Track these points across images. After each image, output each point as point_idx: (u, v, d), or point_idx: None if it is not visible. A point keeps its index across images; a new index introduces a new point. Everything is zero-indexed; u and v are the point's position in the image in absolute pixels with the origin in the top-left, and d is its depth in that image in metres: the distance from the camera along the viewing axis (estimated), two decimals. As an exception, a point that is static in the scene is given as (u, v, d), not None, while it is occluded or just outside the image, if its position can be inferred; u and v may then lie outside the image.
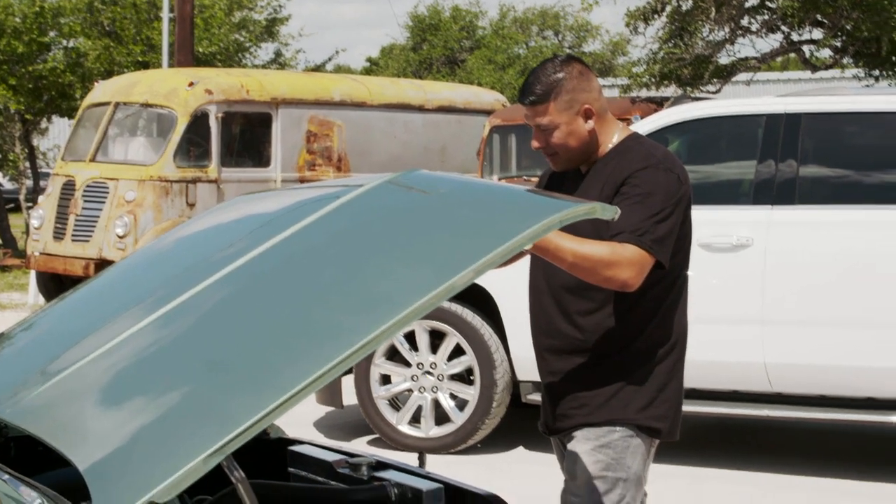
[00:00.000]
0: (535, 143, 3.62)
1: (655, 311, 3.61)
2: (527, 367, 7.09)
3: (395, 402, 7.60)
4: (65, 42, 21.46)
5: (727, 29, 14.55)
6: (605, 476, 3.56)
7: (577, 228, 3.29)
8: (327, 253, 3.02)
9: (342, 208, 3.14)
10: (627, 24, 14.73)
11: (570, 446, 3.63)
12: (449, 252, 2.80)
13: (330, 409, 8.30)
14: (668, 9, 14.58)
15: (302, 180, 14.72)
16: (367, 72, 36.60)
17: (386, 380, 7.56)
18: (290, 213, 3.34)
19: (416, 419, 7.49)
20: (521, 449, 7.54)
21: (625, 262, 3.37)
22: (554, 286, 3.65)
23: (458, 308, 7.29)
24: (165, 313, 2.94)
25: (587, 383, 3.59)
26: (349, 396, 7.66)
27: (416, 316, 2.57)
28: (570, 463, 3.60)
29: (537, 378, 7.13)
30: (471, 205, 3.07)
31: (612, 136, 3.64)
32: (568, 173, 3.70)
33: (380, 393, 7.53)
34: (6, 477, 2.84)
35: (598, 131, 3.60)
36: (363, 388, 7.53)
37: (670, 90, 14.95)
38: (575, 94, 3.55)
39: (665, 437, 3.67)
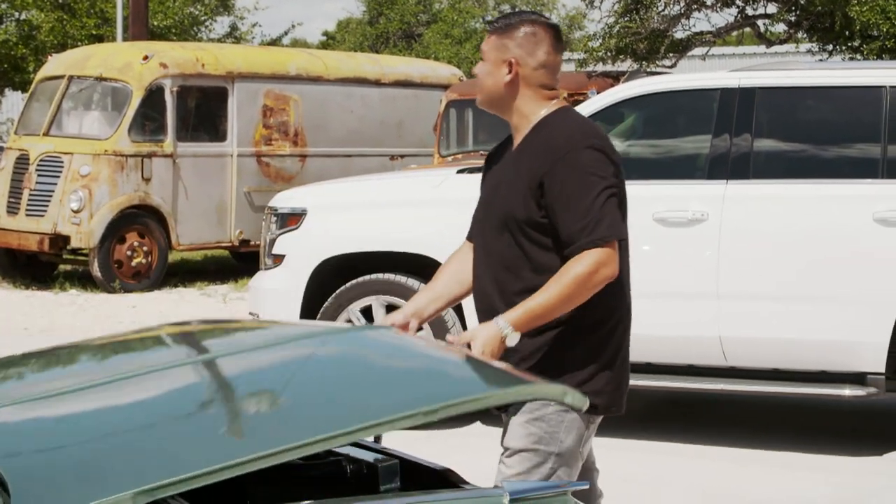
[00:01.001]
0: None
1: None
2: (483, 341, 7.10)
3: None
4: (17, 14, 21.24)
5: (682, 3, 14.59)
6: (537, 449, 3.58)
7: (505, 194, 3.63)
8: (268, 372, 3.11)
9: (301, 338, 3.32)
10: (584, -1, 14.74)
11: (505, 418, 3.65)
12: (375, 404, 2.82)
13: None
14: (625, -17, 14.60)
15: (258, 155, 14.67)
16: (324, 46, 36.44)
17: (343, 355, 7.56)
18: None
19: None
20: (477, 424, 7.56)
21: (594, 266, 3.48)
22: (493, 265, 3.70)
23: (415, 284, 7.30)
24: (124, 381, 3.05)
25: (525, 358, 3.62)
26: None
27: (298, 453, 2.57)
28: (505, 434, 3.62)
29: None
30: (419, 365, 3.19)
31: (541, 110, 3.68)
32: (506, 151, 3.78)
33: (337, 368, 7.52)
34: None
35: (520, 95, 3.68)
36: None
37: (626, 65, 14.98)
38: (513, 45, 3.67)
39: (605, 412, 3.68)
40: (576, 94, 12.68)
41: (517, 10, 3.83)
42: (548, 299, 3.48)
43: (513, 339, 3.51)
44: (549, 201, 3.55)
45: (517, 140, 3.73)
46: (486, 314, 3.70)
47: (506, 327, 3.49)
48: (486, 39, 3.73)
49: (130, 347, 3.69)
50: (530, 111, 3.69)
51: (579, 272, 3.48)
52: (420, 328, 3.87)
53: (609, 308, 3.65)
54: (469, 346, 3.48)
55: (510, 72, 3.67)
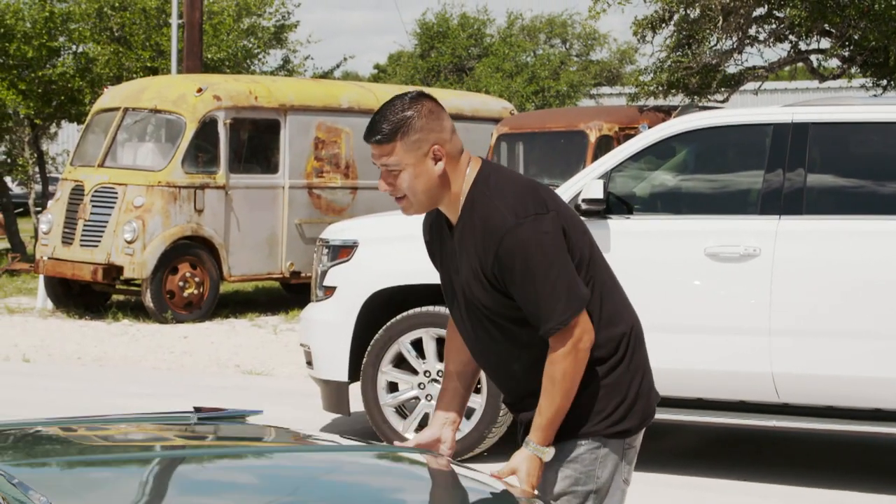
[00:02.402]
0: (381, 185, 3.49)
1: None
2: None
3: (402, 410, 7.60)
4: (74, 47, 21.52)
5: (735, 38, 14.56)
6: (576, 490, 3.57)
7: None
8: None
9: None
10: (635, 33, 14.74)
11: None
12: None
13: (337, 416, 8.31)
14: (676, 17, 14.60)
15: (310, 187, 14.75)
16: (375, 79, 36.64)
17: (393, 387, 7.57)
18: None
19: (422, 427, 7.49)
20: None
21: (571, 349, 3.44)
22: (490, 347, 3.66)
23: (465, 316, 7.30)
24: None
25: None
26: (356, 403, 7.67)
27: None
28: (542, 480, 3.58)
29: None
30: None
31: (464, 185, 3.51)
32: (443, 231, 3.63)
33: (387, 400, 7.54)
34: (16, 481, 2.87)
35: (449, 175, 3.48)
36: (370, 395, 7.54)
37: (678, 99, 14.96)
38: (424, 134, 3.42)
39: (639, 430, 3.67)
40: (627, 129, 12.69)
41: (382, 108, 3.69)
42: (556, 404, 3.48)
43: (549, 456, 3.53)
44: (508, 289, 3.48)
45: (452, 218, 3.57)
46: (513, 394, 3.71)
47: (540, 450, 3.51)
48: (389, 150, 3.42)
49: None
50: (457, 188, 3.51)
51: (565, 366, 3.46)
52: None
53: (608, 337, 3.58)
54: (516, 475, 3.51)
55: (438, 159, 3.46)
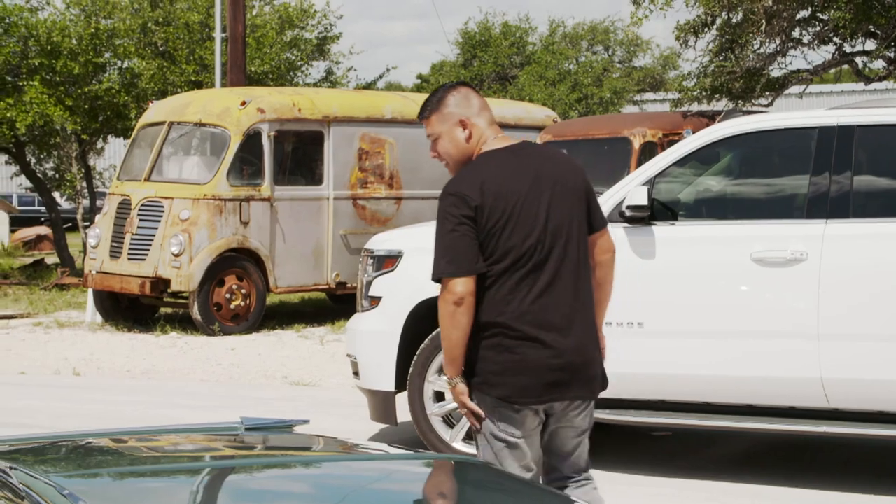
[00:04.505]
0: (432, 153, 4.55)
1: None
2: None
3: (449, 419, 7.60)
4: (119, 63, 21.70)
5: (778, 41, 14.47)
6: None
7: None
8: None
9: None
10: (678, 38, 14.68)
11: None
12: None
13: (384, 425, 8.32)
14: (719, 22, 14.53)
15: (354, 198, 14.79)
16: (418, 89, 36.70)
17: (440, 397, 7.57)
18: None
19: (469, 436, 7.48)
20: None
21: (441, 291, 4.39)
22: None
23: (511, 324, 7.29)
24: None
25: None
26: (403, 413, 7.68)
27: None
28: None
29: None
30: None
31: (476, 154, 4.48)
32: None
33: (433, 410, 7.54)
34: (66, 492, 2.90)
35: (472, 144, 4.46)
36: (417, 404, 7.54)
37: (721, 104, 14.88)
38: (452, 108, 4.45)
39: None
40: (671, 135, 12.64)
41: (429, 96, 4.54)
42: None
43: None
44: None
45: None
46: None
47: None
48: (428, 124, 4.49)
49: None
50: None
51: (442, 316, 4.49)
52: None
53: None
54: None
55: (465, 127, 4.47)
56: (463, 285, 4.30)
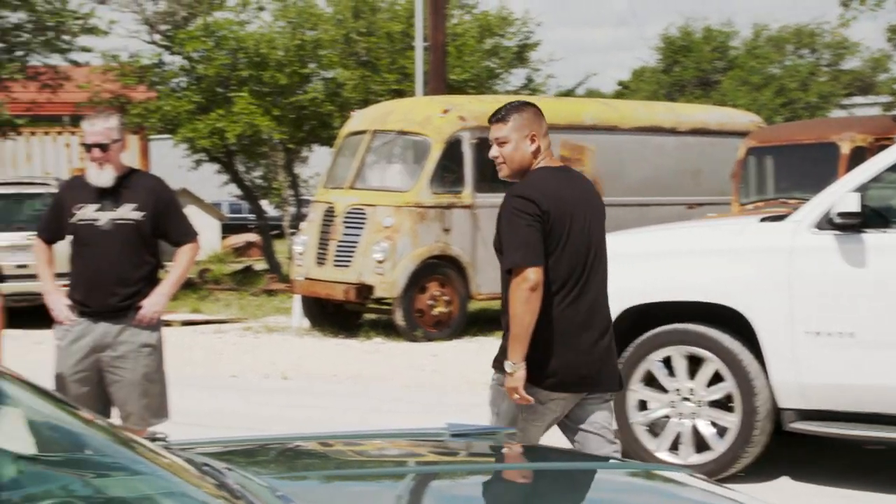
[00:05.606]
0: (492, 152, 5.03)
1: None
2: (789, 394, 6.91)
3: (653, 429, 7.51)
4: (324, 73, 22.19)
5: None
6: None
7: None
8: None
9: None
10: (889, 39, 14.25)
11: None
12: None
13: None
14: (934, 22, 14.03)
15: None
16: (618, 95, 36.45)
17: (643, 405, 7.49)
18: None
19: (674, 446, 7.38)
20: (784, 479, 7.34)
21: (515, 279, 4.94)
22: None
23: (716, 333, 7.17)
24: None
25: None
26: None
27: None
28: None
29: (800, 406, 6.93)
30: None
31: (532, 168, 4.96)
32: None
33: (637, 419, 7.46)
34: (280, 493, 2.96)
35: (533, 158, 4.96)
36: (620, 413, 7.47)
37: (936, 106, 14.36)
38: (527, 122, 4.94)
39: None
40: (882, 139, 12.24)
41: (501, 107, 4.93)
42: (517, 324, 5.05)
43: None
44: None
45: None
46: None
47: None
48: (502, 127, 4.96)
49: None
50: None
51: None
52: None
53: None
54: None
55: (533, 142, 4.95)
56: (536, 273, 4.82)
